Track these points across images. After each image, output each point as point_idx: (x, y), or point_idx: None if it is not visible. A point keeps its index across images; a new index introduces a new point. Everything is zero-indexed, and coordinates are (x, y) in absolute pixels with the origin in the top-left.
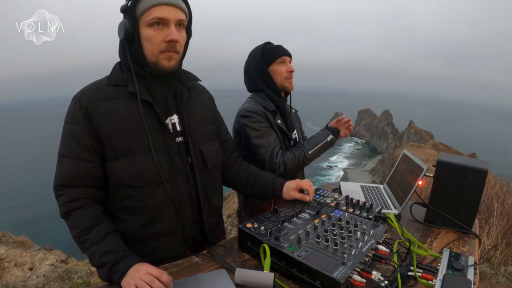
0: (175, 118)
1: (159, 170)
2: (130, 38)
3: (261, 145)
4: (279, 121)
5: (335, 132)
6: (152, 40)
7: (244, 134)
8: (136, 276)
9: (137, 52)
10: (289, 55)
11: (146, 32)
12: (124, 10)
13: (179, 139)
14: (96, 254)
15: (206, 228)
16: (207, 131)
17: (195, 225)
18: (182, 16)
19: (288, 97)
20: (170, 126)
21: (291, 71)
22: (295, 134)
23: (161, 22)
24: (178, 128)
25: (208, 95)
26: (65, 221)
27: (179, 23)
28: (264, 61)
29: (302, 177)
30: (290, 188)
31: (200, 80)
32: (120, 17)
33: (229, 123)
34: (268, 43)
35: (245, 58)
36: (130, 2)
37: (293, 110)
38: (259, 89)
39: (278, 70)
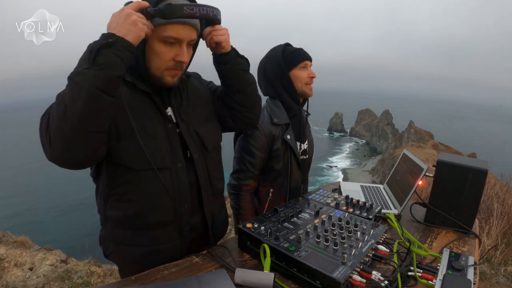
0: (170, 110)
1: (159, 156)
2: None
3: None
4: (288, 137)
5: None
6: (162, 56)
7: (238, 145)
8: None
9: (139, 62)
10: (311, 59)
11: (157, 47)
12: None
13: (175, 127)
14: (84, 77)
15: (208, 213)
16: (203, 113)
17: (194, 216)
18: (194, 35)
19: (306, 103)
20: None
21: (313, 77)
22: (306, 144)
23: (175, 41)
24: (174, 119)
25: (195, 76)
26: (48, 116)
27: (190, 43)
28: (286, 65)
29: (306, 182)
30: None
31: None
32: None
33: None
34: (288, 45)
35: None
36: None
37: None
38: (277, 94)
39: (299, 75)
